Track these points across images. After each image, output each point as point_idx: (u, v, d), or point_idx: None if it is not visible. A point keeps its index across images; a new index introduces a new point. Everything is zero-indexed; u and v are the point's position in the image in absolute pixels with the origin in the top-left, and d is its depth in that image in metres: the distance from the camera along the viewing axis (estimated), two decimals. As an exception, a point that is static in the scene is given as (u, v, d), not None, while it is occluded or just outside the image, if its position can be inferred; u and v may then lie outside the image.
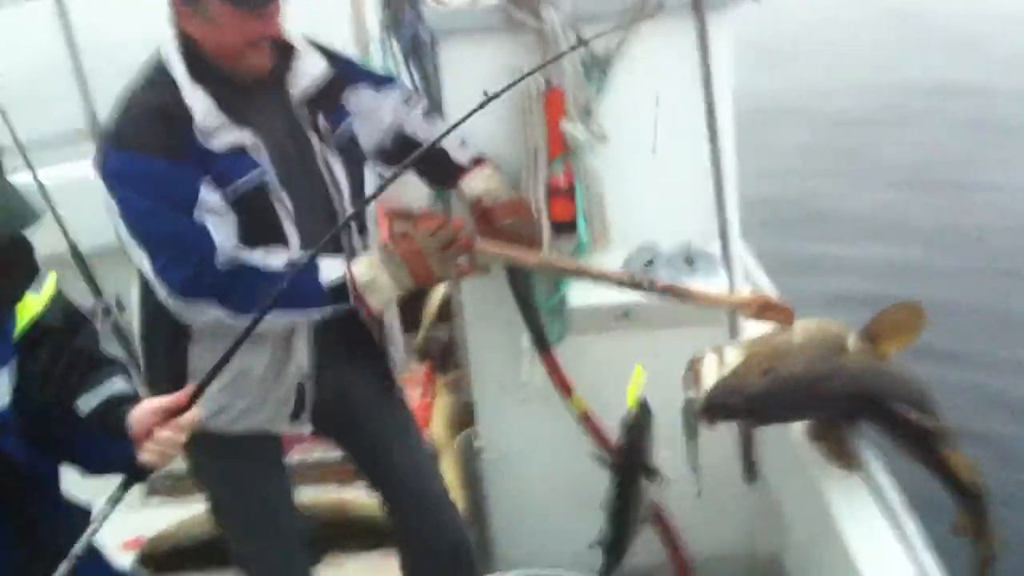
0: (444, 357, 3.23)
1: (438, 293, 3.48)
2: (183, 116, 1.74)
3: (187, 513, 2.90)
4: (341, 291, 1.80)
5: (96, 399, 1.51)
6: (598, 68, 2.12)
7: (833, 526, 1.65)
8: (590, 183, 2.19)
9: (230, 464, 2.03)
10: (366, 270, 1.81)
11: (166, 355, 1.91)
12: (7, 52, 3.44)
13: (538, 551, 2.47)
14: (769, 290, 2.24)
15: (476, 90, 2.18)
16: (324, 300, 1.80)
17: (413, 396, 3.29)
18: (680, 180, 2.26)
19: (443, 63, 2.19)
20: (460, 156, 2.06)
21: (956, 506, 1.71)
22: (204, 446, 2.02)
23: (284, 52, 1.86)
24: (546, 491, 2.50)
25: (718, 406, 1.66)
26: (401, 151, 2.04)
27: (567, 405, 2.34)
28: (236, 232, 1.79)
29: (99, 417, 1.48)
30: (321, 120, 1.89)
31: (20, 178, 3.14)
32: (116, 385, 1.53)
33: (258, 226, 1.81)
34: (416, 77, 2.37)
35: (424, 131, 2.05)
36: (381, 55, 2.59)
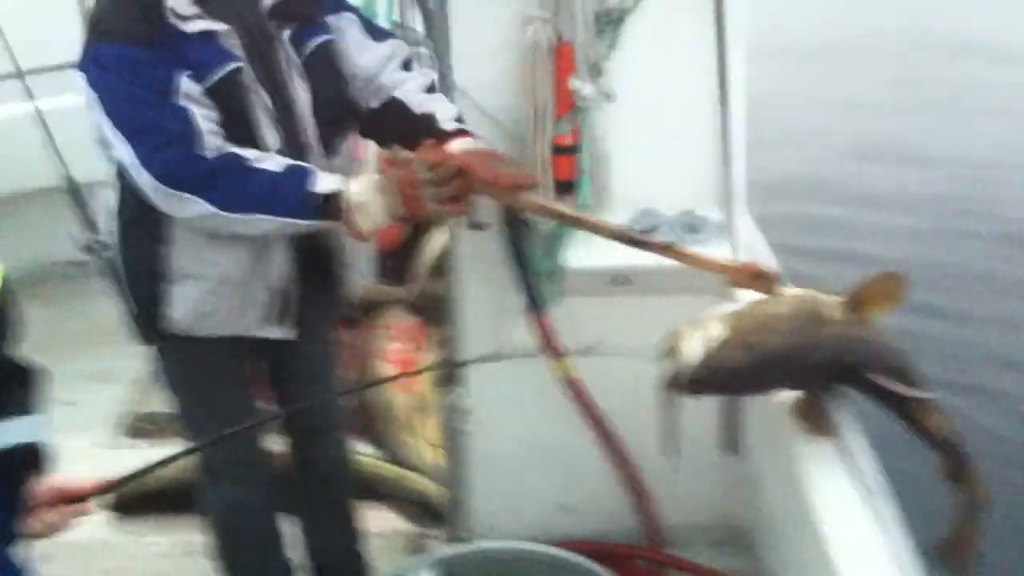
0: (438, 312, 3.20)
1: (435, 246, 3.45)
2: (155, 1, 1.72)
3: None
4: (329, 206, 1.76)
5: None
6: (611, 24, 2.08)
7: (804, 500, 1.63)
8: (595, 142, 2.16)
9: (197, 377, 2.02)
10: (360, 190, 1.77)
11: (144, 257, 1.89)
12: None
13: (513, 511, 2.47)
14: (769, 261, 2.21)
15: (486, 40, 2.15)
16: (310, 211, 1.76)
17: (404, 350, 3.28)
18: (688, 144, 2.22)
19: (453, 11, 2.14)
20: (448, 127, 1.92)
21: (936, 456, 1.72)
22: (174, 356, 2.02)
23: None
24: (527, 452, 2.48)
25: (703, 382, 1.65)
26: (387, 113, 1.95)
27: (552, 369, 2.32)
28: (219, 125, 1.75)
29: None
30: (286, 34, 1.85)
31: (18, 107, 3.11)
32: (18, 430, 1.42)
33: (235, 123, 1.77)
34: (422, 24, 2.32)
35: (419, 104, 1.93)
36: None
